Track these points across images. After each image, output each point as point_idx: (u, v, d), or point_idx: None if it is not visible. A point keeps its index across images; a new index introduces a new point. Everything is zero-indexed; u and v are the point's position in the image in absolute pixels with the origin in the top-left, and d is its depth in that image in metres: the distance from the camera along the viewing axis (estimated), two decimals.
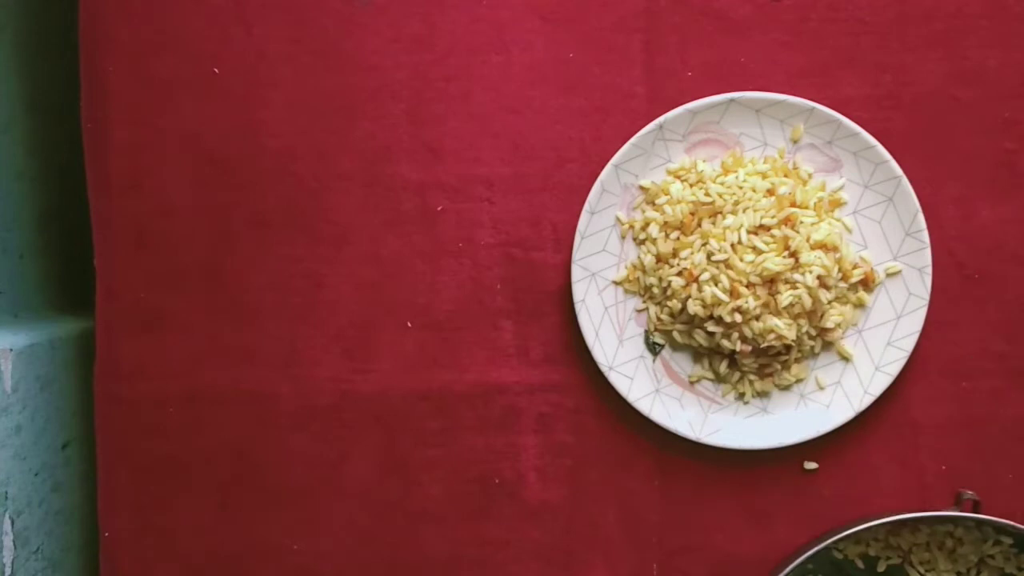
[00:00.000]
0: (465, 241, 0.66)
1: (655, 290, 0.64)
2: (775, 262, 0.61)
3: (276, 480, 0.67)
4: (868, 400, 0.63)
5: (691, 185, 0.64)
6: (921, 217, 0.63)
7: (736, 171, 0.64)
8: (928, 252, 0.63)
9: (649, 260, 0.64)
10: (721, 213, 0.62)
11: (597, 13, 0.65)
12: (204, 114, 0.66)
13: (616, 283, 0.65)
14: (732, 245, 0.61)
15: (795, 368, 0.64)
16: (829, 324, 0.63)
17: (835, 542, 0.60)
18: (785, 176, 0.64)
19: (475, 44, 0.66)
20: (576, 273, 0.64)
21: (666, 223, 0.64)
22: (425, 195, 0.66)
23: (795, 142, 0.64)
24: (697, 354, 0.65)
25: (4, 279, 0.71)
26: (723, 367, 0.65)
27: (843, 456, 0.66)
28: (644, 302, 0.65)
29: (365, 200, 0.66)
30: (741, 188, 0.63)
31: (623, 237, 0.65)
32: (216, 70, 0.66)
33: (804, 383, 0.65)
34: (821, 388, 0.65)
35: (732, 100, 0.63)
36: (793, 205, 0.62)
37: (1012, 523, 0.59)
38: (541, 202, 0.66)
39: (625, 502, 0.67)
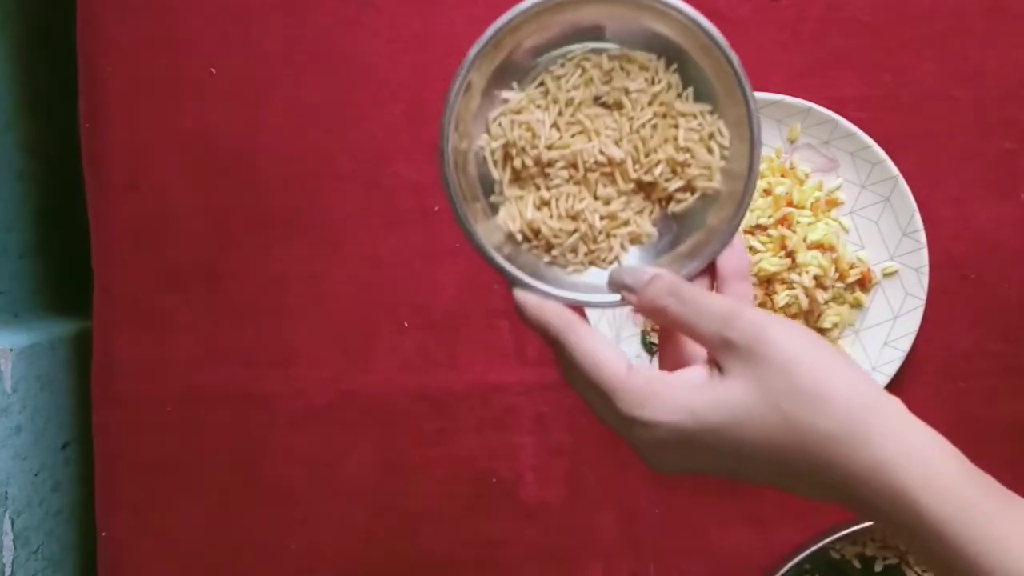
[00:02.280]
0: (463, 241, 0.66)
1: None
2: (772, 262, 0.61)
3: (274, 480, 0.67)
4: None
5: None
6: (918, 217, 0.63)
7: None
8: (925, 252, 0.63)
9: None
10: None
11: None
12: (202, 114, 0.66)
13: None
14: None
15: None
16: (826, 324, 0.63)
17: (832, 542, 0.60)
18: (782, 176, 0.64)
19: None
20: None
21: None
22: (423, 195, 0.66)
23: (792, 142, 0.64)
24: None
25: (4, 279, 0.71)
26: None
27: None
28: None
29: (363, 200, 0.66)
30: None
31: None
32: (214, 70, 0.66)
33: None
34: None
35: None
36: (790, 205, 0.62)
37: None
38: None
39: (622, 502, 0.67)
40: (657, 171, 0.43)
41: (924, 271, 0.63)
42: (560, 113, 0.43)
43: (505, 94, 0.44)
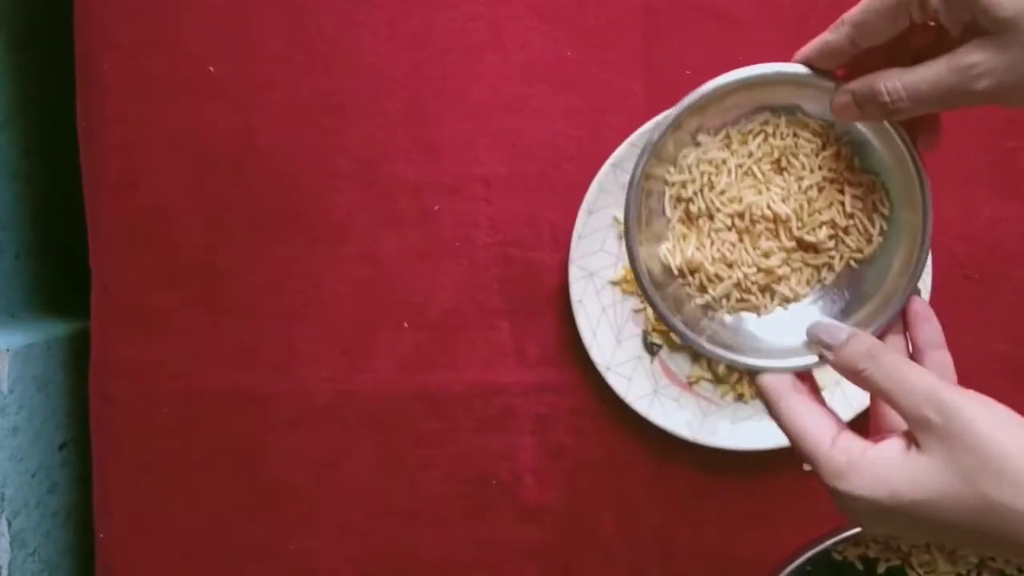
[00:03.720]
0: (462, 241, 0.66)
1: None
2: None
3: (272, 480, 0.67)
4: (868, 401, 0.63)
5: None
6: None
7: None
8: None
9: None
10: None
11: (595, 11, 0.65)
12: (200, 113, 0.66)
13: (614, 283, 0.65)
14: None
15: None
16: None
17: (834, 544, 0.60)
18: None
19: (472, 42, 0.65)
20: (573, 273, 0.64)
21: None
22: (422, 195, 0.66)
23: None
24: (695, 354, 0.65)
25: (1, 279, 0.71)
26: (721, 368, 0.64)
27: None
28: (642, 302, 0.65)
29: (362, 200, 0.66)
30: None
31: (621, 237, 0.65)
32: (212, 69, 0.66)
33: None
34: (821, 388, 0.64)
35: None
36: None
37: None
38: (538, 201, 0.66)
39: (623, 503, 0.66)
40: (820, 233, 0.45)
41: (927, 271, 0.62)
42: (740, 165, 0.46)
43: (701, 137, 0.46)
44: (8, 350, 0.65)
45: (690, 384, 0.65)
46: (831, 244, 0.46)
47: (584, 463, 0.66)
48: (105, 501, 0.67)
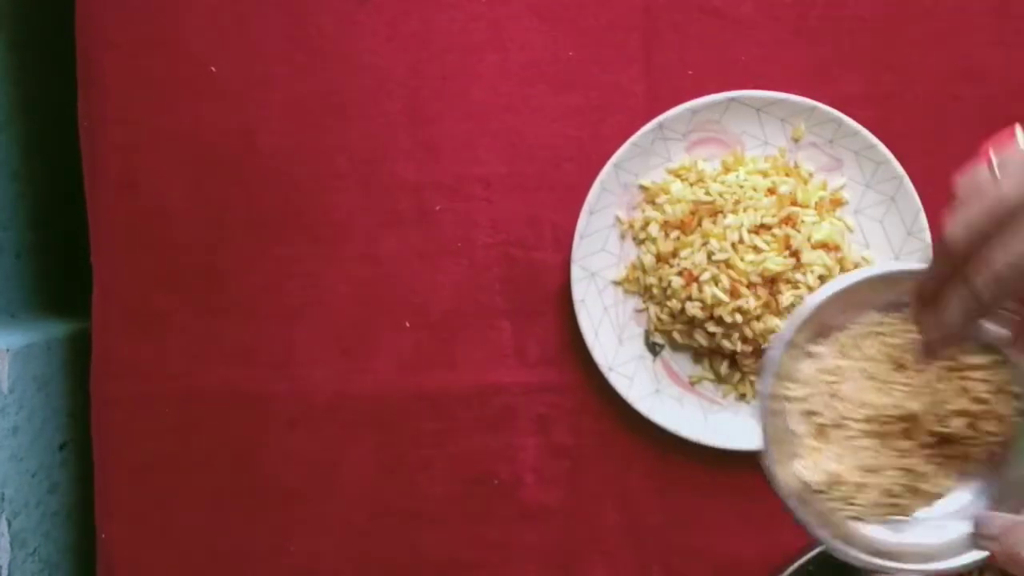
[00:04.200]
0: (463, 241, 0.66)
1: (655, 290, 0.64)
2: (776, 262, 0.60)
3: (273, 481, 0.67)
4: None
5: (691, 184, 0.63)
6: (923, 216, 0.62)
7: (736, 170, 0.63)
8: (930, 252, 0.62)
9: (649, 260, 0.63)
10: (721, 212, 0.62)
11: (595, 11, 0.65)
12: (201, 113, 0.66)
13: (616, 283, 0.65)
14: (732, 244, 0.61)
15: None
16: None
17: None
18: (786, 175, 0.63)
19: (472, 42, 0.65)
20: (575, 273, 0.64)
21: (666, 222, 0.63)
22: (422, 194, 0.66)
23: (796, 141, 0.64)
24: (697, 354, 0.65)
25: (1, 279, 0.71)
26: (724, 367, 0.64)
27: None
28: (644, 302, 0.65)
29: (362, 200, 0.66)
30: (742, 187, 0.62)
31: (623, 237, 0.65)
32: (213, 69, 0.66)
33: None
34: None
35: (732, 99, 0.62)
36: (794, 204, 0.62)
37: None
38: (540, 201, 0.66)
39: (625, 504, 0.66)
40: (955, 423, 0.45)
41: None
42: (861, 370, 0.46)
43: (812, 349, 0.46)
44: (8, 350, 0.65)
45: (692, 384, 0.65)
46: (969, 432, 0.45)
47: (585, 463, 0.66)
48: (105, 501, 0.67)
